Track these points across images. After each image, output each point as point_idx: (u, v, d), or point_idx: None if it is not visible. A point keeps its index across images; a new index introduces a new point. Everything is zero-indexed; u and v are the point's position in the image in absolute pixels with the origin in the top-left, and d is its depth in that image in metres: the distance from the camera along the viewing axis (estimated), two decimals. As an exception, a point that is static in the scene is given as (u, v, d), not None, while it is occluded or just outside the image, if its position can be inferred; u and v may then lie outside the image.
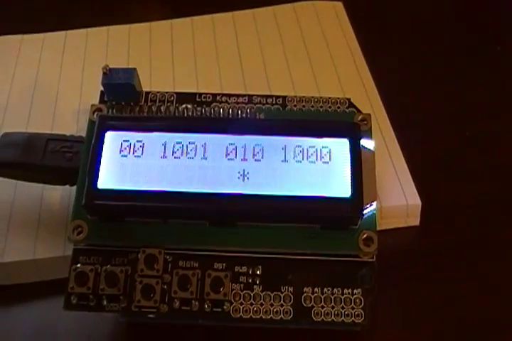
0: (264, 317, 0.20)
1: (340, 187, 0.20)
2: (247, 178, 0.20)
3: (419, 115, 0.29)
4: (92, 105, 0.22)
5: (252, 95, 0.23)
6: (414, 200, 0.25)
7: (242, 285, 0.20)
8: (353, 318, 0.20)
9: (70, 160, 0.22)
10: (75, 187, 0.21)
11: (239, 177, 0.20)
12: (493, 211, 0.26)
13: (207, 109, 0.22)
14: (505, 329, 0.23)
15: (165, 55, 0.30)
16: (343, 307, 0.20)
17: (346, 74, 0.29)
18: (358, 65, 0.30)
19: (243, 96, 0.23)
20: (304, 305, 0.20)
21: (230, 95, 0.23)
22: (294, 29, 0.32)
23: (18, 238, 0.23)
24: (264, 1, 0.33)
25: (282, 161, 0.21)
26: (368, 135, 0.22)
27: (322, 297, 0.20)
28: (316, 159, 0.21)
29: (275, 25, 0.32)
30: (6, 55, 0.30)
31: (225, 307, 0.20)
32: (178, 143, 0.21)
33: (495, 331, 0.23)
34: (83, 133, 0.22)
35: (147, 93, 0.23)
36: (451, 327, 0.23)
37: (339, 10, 0.33)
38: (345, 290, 0.20)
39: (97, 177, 0.20)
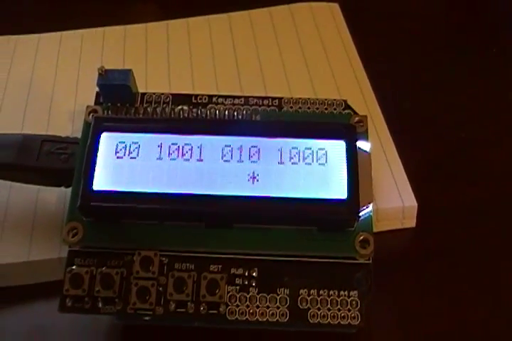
0: (260, 319, 0.20)
1: (337, 189, 0.20)
2: (244, 180, 0.20)
3: (415, 117, 0.29)
4: (88, 106, 0.22)
5: (248, 97, 0.23)
6: (411, 202, 0.25)
7: (238, 287, 0.20)
8: (349, 320, 0.20)
9: (65, 161, 0.22)
10: (70, 189, 0.21)
11: (235, 179, 0.20)
12: (489, 213, 0.26)
13: (203, 110, 0.22)
14: (503, 330, 0.23)
15: (161, 57, 0.30)
16: (339, 310, 0.20)
17: (342, 76, 0.29)
18: (354, 66, 0.30)
19: (239, 97, 0.23)
20: (300, 307, 0.20)
21: (226, 97, 0.23)
22: (290, 30, 0.32)
23: (12, 240, 0.23)
24: (260, 2, 0.33)
25: (278, 163, 0.20)
26: (364, 137, 0.22)
27: (318, 299, 0.20)
28: (312, 161, 0.21)
29: (271, 26, 0.32)
30: (1, 55, 0.30)
31: (220, 309, 0.20)
32: (173, 144, 0.21)
33: (492, 332, 0.23)
34: (78, 135, 0.22)
35: (143, 94, 0.23)
36: (447, 329, 0.23)
37: (335, 11, 0.33)
38: (342, 292, 0.20)
39: (93, 178, 0.20)
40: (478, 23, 0.34)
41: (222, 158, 0.20)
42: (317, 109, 0.23)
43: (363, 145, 0.21)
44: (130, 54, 0.30)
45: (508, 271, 0.24)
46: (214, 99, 0.23)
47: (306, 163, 0.21)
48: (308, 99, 0.23)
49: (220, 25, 0.32)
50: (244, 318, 0.20)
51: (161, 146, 0.21)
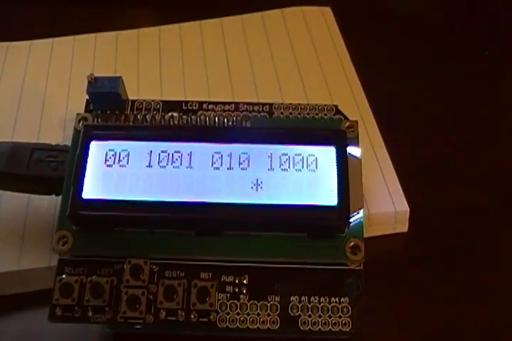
0: (250, 326, 0.19)
1: (327, 195, 0.20)
2: (234, 187, 0.20)
3: (407, 121, 0.29)
4: (78, 114, 0.22)
5: (239, 103, 0.23)
6: (403, 207, 0.25)
7: (228, 294, 0.20)
8: (340, 327, 0.20)
9: (55, 169, 0.22)
10: (60, 197, 0.21)
11: (225, 186, 0.20)
12: (481, 217, 0.26)
13: (193, 117, 0.22)
14: (495, 333, 0.22)
15: (153, 62, 0.30)
16: (330, 316, 0.20)
17: (334, 80, 0.29)
18: (347, 70, 0.30)
19: (230, 103, 0.23)
20: (291, 314, 0.20)
21: (216, 103, 0.23)
22: (283, 35, 0.32)
23: (2, 248, 0.23)
24: (252, 7, 0.33)
25: (268, 170, 0.20)
26: (355, 142, 0.22)
27: (309, 306, 0.20)
28: (303, 167, 0.21)
29: (263, 30, 0.32)
30: (-8, 62, 0.30)
31: (211, 317, 0.19)
32: (163, 152, 0.21)
33: (483, 336, 0.22)
34: (70, 142, 0.22)
35: (133, 101, 0.23)
36: (439, 333, 0.23)
37: (328, 15, 0.33)
38: (332, 299, 0.20)
39: (82, 187, 0.20)
40: (471, 27, 0.34)
41: (212, 165, 0.20)
42: (308, 114, 0.23)
43: (353, 150, 0.21)
44: (122, 60, 0.30)
45: (502, 274, 0.24)
46: (204, 106, 0.23)
47: (296, 170, 0.20)
48: (299, 104, 0.23)
49: (212, 30, 0.32)
50: (235, 326, 0.19)
51: (150, 154, 0.21)
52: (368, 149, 0.26)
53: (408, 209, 0.25)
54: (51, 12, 0.34)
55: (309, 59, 0.31)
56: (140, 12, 0.35)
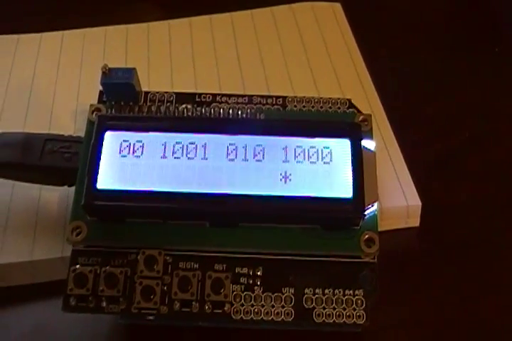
0: (265, 318, 0.19)
1: (342, 187, 0.20)
2: (249, 179, 0.20)
3: (418, 116, 0.29)
4: (91, 105, 0.22)
5: (252, 95, 0.23)
6: (415, 201, 0.25)
7: (242, 286, 0.20)
8: (354, 319, 0.20)
9: (69, 160, 0.22)
10: (73, 188, 0.21)
11: (240, 178, 0.20)
12: (493, 211, 0.26)
13: (207, 109, 0.22)
14: (507, 329, 0.22)
15: (163, 56, 0.30)
16: (344, 309, 0.20)
17: (345, 75, 0.29)
18: (357, 65, 0.30)
19: (243, 96, 0.23)
20: (306, 306, 0.20)
21: (229, 95, 0.23)
22: (293, 30, 0.32)
23: (15, 239, 0.23)
24: (262, 2, 0.33)
25: (283, 162, 0.20)
26: (369, 135, 0.22)
27: (323, 298, 0.20)
28: (317, 159, 0.20)
29: (273, 25, 0.32)
30: (2, 55, 0.30)
31: (225, 308, 0.19)
32: (178, 143, 0.21)
33: (496, 331, 0.22)
34: (81, 134, 0.22)
35: (146, 93, 0.23)
36: (452, 327, 0.22)
37: (337, 11, 0.33)
38: (347, 291, 0.20)
39: (97, 177, 0.20)
40: (481, 23, 0.34)
41: (226, 156, 0.20)
42: (321, 107, 0.23)
43: (367, 144, 0.21)
44: (132, 53, 0.30)
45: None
46: (218, 98, 0.23)
47: (311, 162, 0.20)
48: (313, 97, 0.23)
49: (223, 25, 0.32)
50: (249, 317, 0.19)
51: (165, 145, 0.20)
52: (380, 144, 0.26)
53: (420, 203, 0.25)
54: (60, 6, 0.34)
55: (320, 54, 0.31)
56: (149, 6, 0.35)
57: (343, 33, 0.32)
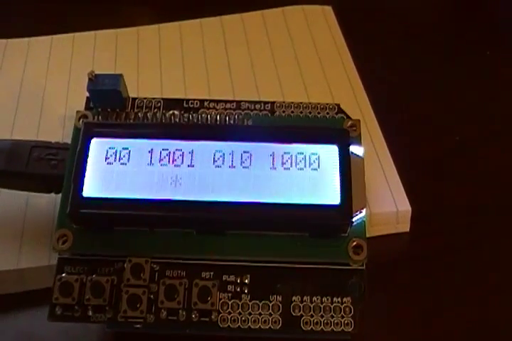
0: (252, 326, 0.19)
1: (329, 194, 0.20)
2: (236, 186, 0.20)
3: (409, 120, 0.29)
4: (78, 112, 0.22)
5: (240, 101, 0.23)
6: (404, 206, 0.25)
7: (230, 294, 0.20)
8: (342, 327, 0.19)
9: (55, 167, 0.21)
10: (60, 195, 0.21)
11: (227, 185, 0.20)
12: (483, 216, 0.26)
13: (194, 115, 0.22)
14: (498, 333, 0.22)
15: (153, 60, 0.30)
16: (332, 316, 0.20)
17: (336, 80, 0.29)
18: (348, 69, 0.30)
19: (231, 102, 0.23)
20: (293, 314, 0.20)
21: (217, 101, 0.23)
22: (283, 33, 0.32)
23: (1, 247, 0.23)
24: (253, 5, 0.33)
25: (270, 168, 0.20)
26: (357, 141, 0.22)
27: (311, 306, 0.20)
28: (305, 166, 0.20)
29: (264, 29, 0.32)
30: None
31: (212, 316, 0.19)
32: (164, 150, 0.20)
33: (487, 336, 0.22)
34: (69, 140, 0.22)
35: (134, 99, 0.23)
36: (440, 333, 0.22)
37: (329, 14, 0.33)
38: (335, 299, 0.20)
39: (82, 185, 0.20)
40: (471, 27, 0.34)
41: (213, 163, 0.20)
42: (310, 113, 0.23)
43: (356, 149, 0.21)
44: (121, 58, 0.30)
45: (504, 274, 0.24)
46: (206, 104, 0.23)
47: (298, 168, 0.20)
48: (301, 103, 0.23)
49: (213, 29, 0.32)
50: (237, 326, 0.19)
51: (151, 152, 0.20)
52: (370, 148, 0.26)
53: (410, 208, 0.25)
54: (50, 9, 0.34)
55: (310, 58, 0.30)
56: (139, 10, 0.35)
57: (334, 37, 0.32)
